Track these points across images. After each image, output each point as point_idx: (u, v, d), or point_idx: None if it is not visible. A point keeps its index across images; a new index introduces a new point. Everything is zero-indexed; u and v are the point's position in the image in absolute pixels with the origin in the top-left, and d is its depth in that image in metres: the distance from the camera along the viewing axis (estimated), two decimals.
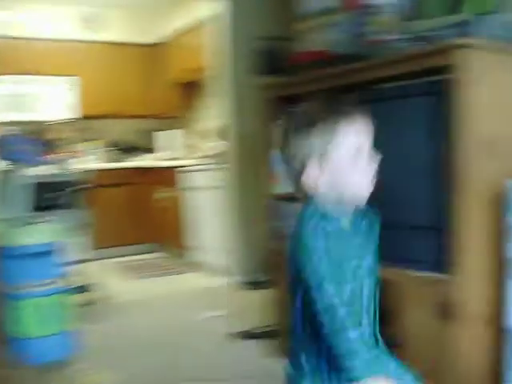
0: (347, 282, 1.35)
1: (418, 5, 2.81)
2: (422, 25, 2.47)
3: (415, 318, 2.32)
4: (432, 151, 2.22)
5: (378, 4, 2.64)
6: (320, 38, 3.07)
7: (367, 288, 1.44)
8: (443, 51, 2.13)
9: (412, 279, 2.32)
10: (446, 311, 2.18)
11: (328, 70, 2.65)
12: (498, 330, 2.20)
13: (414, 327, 2.32)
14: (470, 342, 2.20)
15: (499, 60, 2.20)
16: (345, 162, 1.33)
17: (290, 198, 3.04)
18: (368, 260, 1.44)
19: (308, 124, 1.33)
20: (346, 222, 1.42)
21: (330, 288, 1.28)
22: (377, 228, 1.49)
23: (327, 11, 3.09)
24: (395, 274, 2.36)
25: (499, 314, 2.19)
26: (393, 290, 2.34)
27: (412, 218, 2.33)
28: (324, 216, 1.35)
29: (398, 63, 2.30)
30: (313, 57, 2.88)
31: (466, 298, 2.17)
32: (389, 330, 2.48)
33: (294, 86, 2.93)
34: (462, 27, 2.15)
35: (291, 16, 3.35)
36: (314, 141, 1.32)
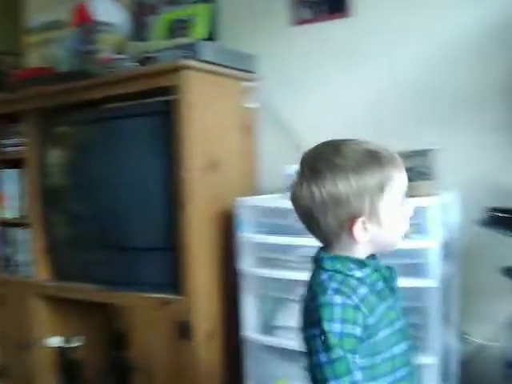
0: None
1: (144, 26, 2.84)
2: (149, 46, 2.50)
3: (154, 341, 2.28)
4: (160, 171, 2.23)
5: (106, 22, 2.59)
6: (46, 54, 2.90)
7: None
8: (167, 72, 2.18)
9: (147, 302, 2.28)
10: (181, 331, 2.18)
11: (51, 87, 2.50)
12: (236, 343, 2.27)
13: (154, 350, 2.28)
14: (208, 358, 2.25)
15: (216, 82, 2.33)
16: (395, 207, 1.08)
17: (18, 224, 2.79)
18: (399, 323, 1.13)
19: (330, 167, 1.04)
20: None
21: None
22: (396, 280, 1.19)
23: (54, 26, 2.95)
24: (130, 297, 2.31)
25: (235, 328, 2.27)
26: (129, 315, 2.26)
27: (144, 240, 2.30)
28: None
29: (124, 82, 2.28)
30: (36, 73, 2.70)
31: (200, 315, 2.21)
32: (125, 354, 2.42)
33: (13, 103, 2.70)
34: (186, 50, 2.21)
35: (20, 30, 3.14)
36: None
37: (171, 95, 2.16)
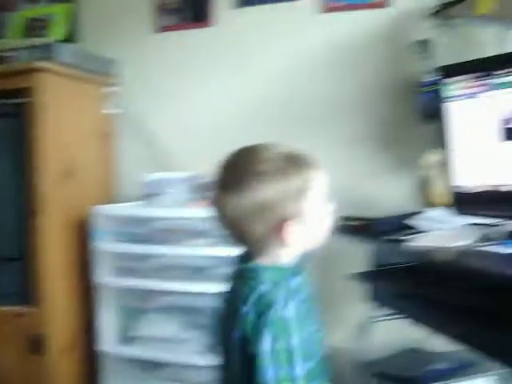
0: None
1: (1, 23, 2.68)
2: (4, 44, 2.36)
3: (4, 356, 2.15)
4: (12, 177, 2.10)
5: None
6: None
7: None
8: (22, 73, 2.07)
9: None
10: (33, 345, 2.07)
11: None
12: (92, 355, 2.20)
13: (4, 365, 2.14)
14: (64, 373, 2.16)
15: (74, 86, 2.26)
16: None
17: None
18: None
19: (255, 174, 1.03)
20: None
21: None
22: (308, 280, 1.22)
23: None
24: None
25: (92, 339, 2.20)
26: None
27: None
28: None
29: None
30: None
31: (55, 328, 2.11)
32: None
33: None
34: (42, 51, 2.12)
35: None
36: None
37: (26, 97, 2.05)
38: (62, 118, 2.14)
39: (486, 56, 1.78)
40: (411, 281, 1.63)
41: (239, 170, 1.04)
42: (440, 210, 1.84)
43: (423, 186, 1.95)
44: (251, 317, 1.00)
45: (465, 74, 1.61)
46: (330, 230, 1.13)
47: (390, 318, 1.97)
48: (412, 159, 2.07)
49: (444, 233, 1.59)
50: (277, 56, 2.46)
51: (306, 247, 1.11)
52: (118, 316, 2.18)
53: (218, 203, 1.04)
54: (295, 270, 1.10)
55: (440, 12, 1.93)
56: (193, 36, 2.55)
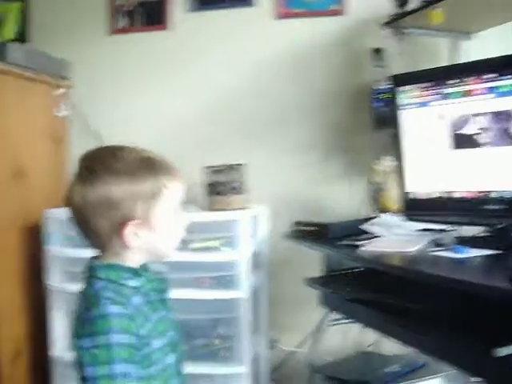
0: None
1: None
2: None
3: None
4: None
5: None
6: None
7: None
8: None
9: None
10: None
11: None
12: (43, 360, 2.15)
13: None
14: (13, 380, 2.08)
15: (24, 87, 2.18)
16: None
17: None
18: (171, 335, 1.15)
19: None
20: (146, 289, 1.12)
21: None
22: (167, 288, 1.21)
23: None
24: None
25: (43, 345, 2.14)
26: None
27: None
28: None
29: None
30: None
31: (3, 334, 2.03)
32: None
33: None
34: None
35: None
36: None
37: None
38: (11, 118, 2.08)
39: (438, 66, 1.83)
40: (363, 285, 1.65)
41: (95, 163, 1.05)
42: (392, 216, 1.87)
43: (376, 192, 1.98)
44: (80, 313, 1.04)
45: (417, 82, 1.64)
46: (179, 243, 1.14)
47: (342, 322, 2.00)
48: (365, 165, 2.11)
49: (396, 238, 1.62)
50: (231, 61, 2.46)
51: (153, 256, 1.12)
52: (70, 321, 2.13)
53: (69, 194, 1.05)
54: (139, 271, 1.09)
55: (394, 21, 1.97)
56: (147, 39, 2.53)
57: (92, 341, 0.97)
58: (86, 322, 0.99)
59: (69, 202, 1.06)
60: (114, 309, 0.99)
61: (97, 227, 1.04)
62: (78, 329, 1.01)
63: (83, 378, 0.99)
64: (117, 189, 1.02)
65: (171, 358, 1.11)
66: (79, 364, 0.99)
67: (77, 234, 1.08)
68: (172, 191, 1.08)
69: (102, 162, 1.04)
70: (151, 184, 1.05)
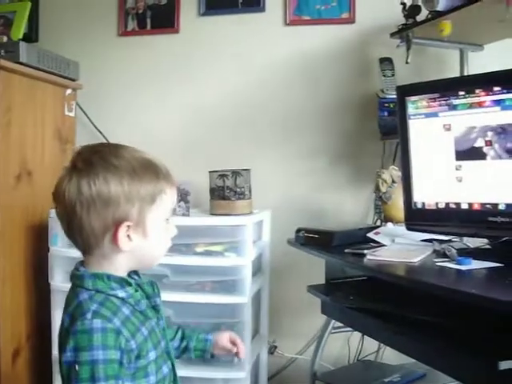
0: None
1: None
2: None
3: None
4: None
5: None
6: None
7: None
8: None
9: None
10: None
11: None
12: (45, 359, 2.15)
13: None
14: (15, 376, 2.09)
15: (34, 86, 2.19)
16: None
17: None
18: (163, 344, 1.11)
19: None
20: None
21: None
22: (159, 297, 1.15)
23: None
24: None
25: (46, 343, 2.14)
26: None
27: None
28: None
29: None
30: None
31: (5, 334, 2.04)
32: None
33: None
34: (2, 50, 2.06)
35: None
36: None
37: None
38: (20, 117, 2.09)
39: (446, 77, 1.84)
40: (366, 294, 1.65)
41: (94, 157, 0.99)
42: (397, 225, 1.87)
43: (381, 201, 1.98)
44: (65, 324, 0.98)
45: (425, 93, 1.64)
46: (164, 252, 1.10)
47: (344, 330, 2.00)
48: (371, 174, 2.11)
49: (400, 248, 1.62)
50: (240, 66, 2.47)
51: (140, 263, 1.07)
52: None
53: (60, 187, 0.99)
54: (128, 280, 1.04)
55: (403, 31, 1.98)
56: (156, 42, 2.54)
57: (75, 356, 0.93)
58: (71, 334, 0.94)
59: (59, 196, 1.00)
60: (97, 323, 0.94)
61: (88, 224, 0.98)
62: (63, 341, 0.96)
63: None
64: (116, 186, 0.97)
65: (167, 367, 1.08)
66: (64, 378, 0.95)
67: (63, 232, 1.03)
68: (169, 197, 1.05)
69: (101, 157, 0.99)
70: (151, 187, 1.01)
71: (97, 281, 1.00)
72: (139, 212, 1.00)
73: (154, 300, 1.10)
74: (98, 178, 0.97)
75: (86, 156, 1.00)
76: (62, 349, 0.96)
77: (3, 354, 2.04)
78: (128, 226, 0.99)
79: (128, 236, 1.00)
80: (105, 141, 2.44)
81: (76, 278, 1.02)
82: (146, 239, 1.03)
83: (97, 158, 0.99)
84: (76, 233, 1.00)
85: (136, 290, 1.05)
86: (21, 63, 2.09)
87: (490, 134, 1.48)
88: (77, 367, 0.92)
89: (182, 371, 2.06)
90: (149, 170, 1.02)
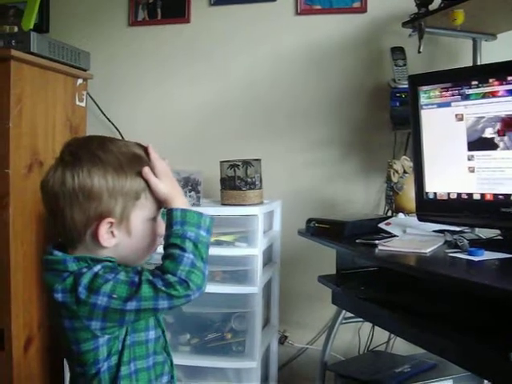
0: None
1: None
2: None
3: None
4: None
5: None
6: None
7: None
8: None
9: None
10: None
11: None
12: (55, 348, 2.18)
13: None
14: (26, 365, 2.10)
15: (45, 76, 2.20)
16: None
17: None
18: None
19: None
20: None
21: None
22: None
23: None
24: None
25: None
26: None
27: None
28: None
29: None
30: None
31: (17, 322, 2.05)
32: None
33: None
34: (13, 39, 2.07)
35: None
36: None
37: None
38: (31, 107, 2.09)
39: (458, 67, 1.82)
40: (377, 285, 1.65)
41: (80, 150, 0.99)
42: (408, 216, 1.87)
43: (392, 191, 1.97)
44: (60, 299, 0.96)
45: (437, 83, 1.63)
46: (151, 253, 1.08)
47: (354, 320, 2.00)
48: (382, 164, 2.10)
49: (412, 238, 1.62)
50: (251, 55, 2.46)
51: (125, 260, 1.02)
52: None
53: (46, 178, 0.99)
54: (111, 261, 1.00)
55: (415, 21, 1.96)
56: (167, 31, 2.53)
57: (107, 294, 0.93)
58: (84, 291, 0.94)
59: (44, 187, 0.99)
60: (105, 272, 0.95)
61: (70, 217, 0.97)
62: (75, 306, 0.95)
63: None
64: (99, 180, 0.96)
65: (160, 332, 1.08)
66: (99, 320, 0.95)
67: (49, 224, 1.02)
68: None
69: (88, 150, 0.98)
70: (136, 183, 0.99)
71: (80, 262, 0.98)
72: (123, 208, 0.98)
73: None
74: (82, 171, 0.96)
75: (73, 148, 1.00)
76: (78, 311, 0.95)
77: (16, 343, 2.06)
78: (111, 223, 0.97)
79: (111, 233, 0.98)
80: (115, 130, 2.46)
81: (54, 263, 0.99)
82: (130, 237, 1.00)
83: (84, 151, 0.98)
84: (59, 225, 0.99)
85: None
86: (32, 53, 2.09)
87: (502, 124, 1.47)
88: (115, 295, 0.92)
89: (194, 361, 2.09)
90: (135, 165, 0.99)
